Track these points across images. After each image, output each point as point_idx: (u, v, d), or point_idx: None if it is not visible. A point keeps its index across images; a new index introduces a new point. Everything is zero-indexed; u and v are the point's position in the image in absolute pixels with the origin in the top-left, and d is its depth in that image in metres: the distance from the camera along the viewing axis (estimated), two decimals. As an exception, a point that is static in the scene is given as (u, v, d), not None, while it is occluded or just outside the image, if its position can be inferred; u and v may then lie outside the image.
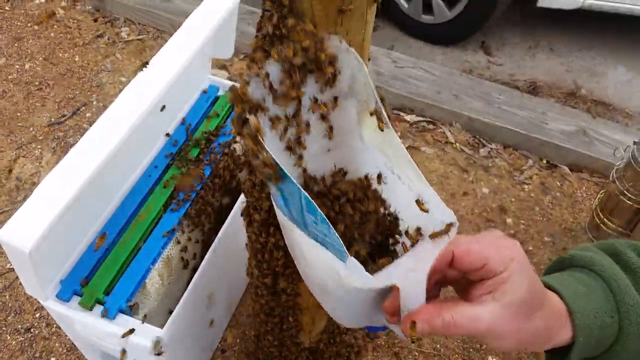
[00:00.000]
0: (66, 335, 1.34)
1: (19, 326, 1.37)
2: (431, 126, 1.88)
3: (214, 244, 1.13)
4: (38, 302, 1.41)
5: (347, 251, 0.53)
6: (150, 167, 1.23)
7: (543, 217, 1.64)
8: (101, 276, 1.04)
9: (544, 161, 1.80)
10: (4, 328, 1.37)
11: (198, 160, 1.25)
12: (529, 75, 2.60)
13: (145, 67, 1.08)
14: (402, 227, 0.64)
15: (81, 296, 1.02)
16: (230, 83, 1.43)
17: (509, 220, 1.62)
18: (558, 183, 1.74)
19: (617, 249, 0.63)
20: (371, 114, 0.64)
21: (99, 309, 1.01)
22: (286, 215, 0.61)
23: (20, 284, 1.45)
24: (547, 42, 2.74)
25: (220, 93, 1.42)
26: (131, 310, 1.05)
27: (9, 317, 1.39)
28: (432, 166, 1.76)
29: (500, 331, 0.51)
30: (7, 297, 1.43)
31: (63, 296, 1.01)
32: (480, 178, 1.73)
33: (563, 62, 2.63)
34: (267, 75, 0.61)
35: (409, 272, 0.54)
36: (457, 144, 1.82)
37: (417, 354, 1.33)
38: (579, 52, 2.68)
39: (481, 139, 1.85)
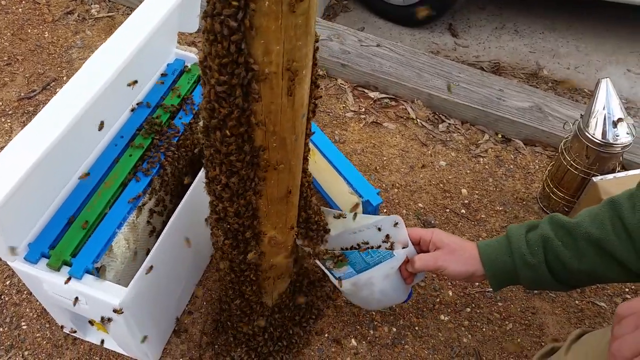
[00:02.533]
0: (37, 301, 1.39)
1: (-10, 293, 1.41)
2: (394, 103, 1.95)
3: (178, 208, 1.19)
4: (8, 269, 1.46)
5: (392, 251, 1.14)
6: (117, 136, 1.28)
7: (496, 187, 1.73)
8: (68, 240, 1.09)
9: (500, 136, 1.88)
10: (-25, 295, 1.41)
11: (163, 132, 1.30)
12: (494, 56, 2.68)
13: (109, 38, 1.12)
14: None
15: (49, 258, 1.07)
16: (197, 58, 1.47)
17: (463, 191, 1.70)
18: (512, 156, 1.83)
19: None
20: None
21: (66, 269, 1.06)
22: (353, 276, 1.16)
23: (-9, 253, 1.49)
24: (512, 24, 2.83)
25: (187, 67, 1.47)
26: (98, 272, 1.10)
27: (-20, 285, 1.43)
28: (394, 141, 1.83)
29: (442, 264, 1.05)
30: (-22, 266, 1.46)
31: (31, 258, 1.06)
32: (438, 152, 1.81)
33: (527, 44, 2.72)
34: None
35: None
36: (418, 120, 1.90)
37: (374, 313, 1.41)
38: (542, 34, 2.77)
39: (440, 115, 1.92)
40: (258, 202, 0.97)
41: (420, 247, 1.12)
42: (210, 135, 0.87)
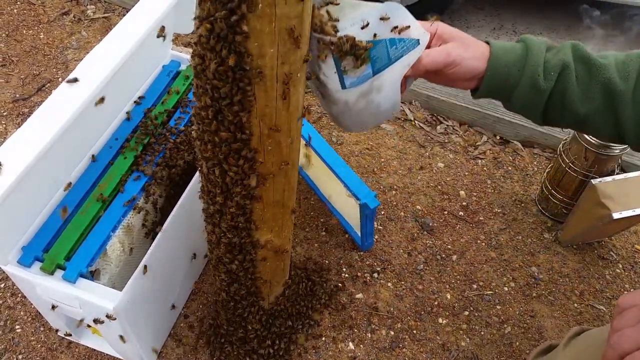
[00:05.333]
0: (31, 304, 1.38)
1: (-15, 297, 1.40)
2: (392, 104, 1.94)
3: (174, 211, 1.17)
4: (2, 272, 1.44)
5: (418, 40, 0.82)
6: (111, 138, 1.27)
7: (494, 189, 1.72)
8: (62, 243, 1.08)
9: (498, 137, 1.87)
10: (-31, 299, 1.40)
11: (158, 134, 1.29)
12: (492, 56, 2.67)
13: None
14: None
15: (42, 262, 1.06)
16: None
17: (462, 193, 1.69)
18: (510, 158, 1.82)
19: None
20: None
21: (60, 273, 1.05)
22: (367, 81, 0.84)
23: (-14, 256, 1.47)
24: (511, 25, 2.82)
25: (182, 68, 1.46)
26: (92, 275, 1.09)
27: (-25, 288, 1.42)
28: (392, 142, 1.82)
29: (455, 58, 0.83)
30: (-27, 269, 1.45)
31: (25, 262, 1.05)
32: (436, 153, 1.80)
33: (525, 44, 2.71)
34: None
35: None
36: (416, 121, 1.89)
37: (371, 316, 1.40)
38: (540, 34, 2.76)
39: (438, 117, 1.91)
40: (253, 206, 0.96)
41: None
42: (205, 138, 0.86)
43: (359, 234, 1.49)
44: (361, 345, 1.35)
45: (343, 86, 0.84)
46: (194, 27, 0.75)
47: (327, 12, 0.81)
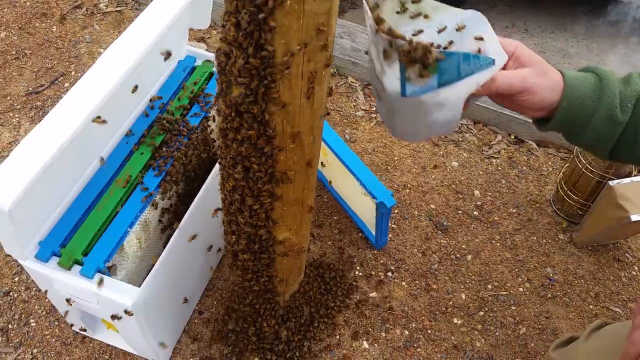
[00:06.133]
0: (46, 299, 1.38)
1: (-1, 290, 1.40)
2: (406, 101, 1.93)
3: (191, 207, 1.17)
4: (17, 266, 1.44)
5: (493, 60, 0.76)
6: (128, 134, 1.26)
7: (509, 189, 1.71)
8: (79, 238, 1.08)
9: (512, 136, 1.86)
10: (-17, 292, 1.40)
11: (174, 130, 1.28)
12: (504, 54, 2.65)
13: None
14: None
15: (60, 257, 1.06)
16: (208, 54, 1.45)
17: (476, 192, 1.68)
18: (525, 157, 1.80)
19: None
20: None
21: (77, 268, 1.05)
22: (430, 92, 0.77)
23: None
24: (522, 23, 2.80)
25: (198, 63, 1.45)
26: (109, 271, 1.09)
27: (-11, 282, 1.42)
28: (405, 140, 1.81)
29: (531, 86, 0.77)
30: (-13, 262, 1.45)
31: (42, 257, 1.05)
32: (450, 152, 1.79)
33: (537, 43, 2.69)
34: None
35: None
36: (430, 119, 1.87)
37: (386, 315, 1.39)
38: (552, 33, 2.74)
39: (453, 115, 1.90)
40: (274, 204, 0.96)
41: None
42: (228, 135, 0.85)
43: (373, 232, 1.48)
44: (375, 344, 1.35)
45: (403, 93, 0.78)
46: (222, 22, 0.74)
47: (402, 5, 0.78)
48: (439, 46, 0.76)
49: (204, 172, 1.38)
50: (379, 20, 0.72)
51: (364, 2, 0.76)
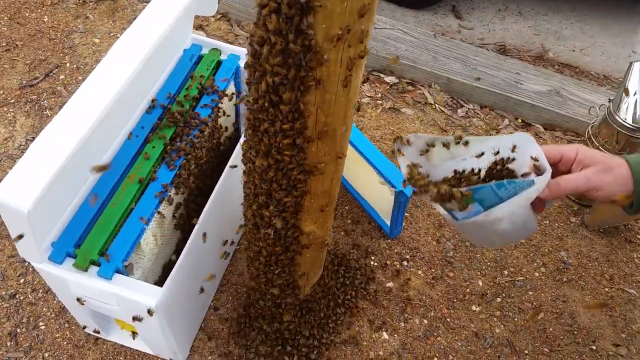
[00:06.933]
0: (54, 300, 1.33)
1: (3, 292, 1.35)
2: (411, 87, 1.90)
3: (208, 203, 1.13)
4: (22, 267, 1.39)
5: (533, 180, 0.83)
6: (137, 127, 1.21)
7: (519, 174, 1.69)
8: (95, 237, 1.03)
9: (519, 120, 1.85)
10: (-12, 295, 1.35)
11: (185, 122, 1.23)
12: (499, 38, 2.63)
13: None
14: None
15: (75, 258, 1.01)
16: (214, 42, 1.40)
17: (487, 178, 1.66)
18: (533, 141, 1.79)
19: None
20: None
21: (94, 269, 1.01)
22: (479, 214, 0.89)
23: (1, 250, 1.42)
24: (515, 6, 2.77)
25: (204, 52, 1.40)
26: (127, 270, 1.05)
27: (-7, 284, 1.37)
28: (413, 127, 1.78)
29: (596, 183, 0.83)
30: (-11, 263, 1.40)
31: (56, 258, 1.00)
32: (459, 137, 1.77)
33: (531, 26, 2.67)
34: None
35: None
36: (436, 105, 1.85)
37: (404, 305, 1.37)
38: (546, 15, 2.72)
39: (459, 100, 1.88)
40: (304, 199, 0.92)
41: (559, 167, 0.89)
42: (259, 127, 0.81)
43: (387, 222, 1.45)
44: (395, 335, 1.33)
45: (456, 219, 0.92)
46: (257, 7, 0.70)
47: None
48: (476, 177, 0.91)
49: (215, 163, 1.34)
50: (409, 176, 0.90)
51: (399, 158, 0.93)
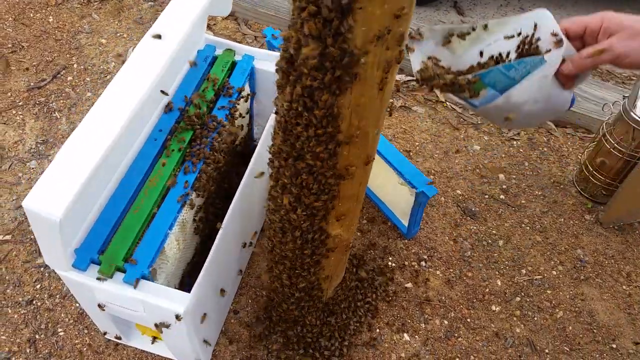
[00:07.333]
0: (72, 306, 1.32)
1: (20, 299, 1.34)
2: (421, 85, 1.89)
3: (231, 207, 1.12)
4: (37, 272, 1.38)
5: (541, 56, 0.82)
6: (155, 130, 1.19)
7: (532, 171, 1.69)
8: (118, 243, 1.02)
9: (531, 118, 1.84)
10: (3, 302, 1.33)
11: (203, 124, 1.22)
12: (505, 33, 2.62)
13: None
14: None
15: (99, 264, 1.00)
16: (228, 42, 1.39)
17: (501, 176, 1.66)
18: (545, 139, 1.79)
19: None
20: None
21: (119, 276, 0.99)
22: (496, 99, 0.86)
23: (16, 255, 1.40)
24: (517, 1, 2.77)
25: (218, 52, 1.38)
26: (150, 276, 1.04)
27: (8, 290, 1.35)
28: (424, 125, 1.78)
29: (622, 50, 0.79)
30: (3, 269, 1.38)
31: (80, 265, 0.99)
32: (471, 136, 1.76)
33: (540, 21, 2.66)
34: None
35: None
36: (447, 103, 1.84)
37: (424, 306, 1.37)
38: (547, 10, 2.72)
39: (471, 97, 1.87)
40: (333, 202, 0.91)
41: (585, 40, 0.84)
42: (292, 131, 0.80)
43: (404, 222, 1.45)
44: (416, 336, 1.32)
45: (474, 107, 0.89)
46: (293, 10, 0.68)
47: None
48: (508, 54, 0.87)
49: (232, 165, 1.33)
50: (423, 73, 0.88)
51: (410, 55, 0.91)
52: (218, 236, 1.07)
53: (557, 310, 1.40)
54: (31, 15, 1.96)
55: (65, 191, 0.80)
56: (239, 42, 1.81)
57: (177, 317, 0.97)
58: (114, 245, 1.02)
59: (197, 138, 1.20)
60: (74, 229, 0.96)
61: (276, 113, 0.85)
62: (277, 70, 0.77)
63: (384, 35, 0.67)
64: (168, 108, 1.22)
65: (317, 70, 0.70)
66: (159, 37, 1.02)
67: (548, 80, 0.83)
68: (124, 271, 1.00)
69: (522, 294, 1.42)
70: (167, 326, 1.00)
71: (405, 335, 1.32)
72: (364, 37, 0.67)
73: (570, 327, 1.37)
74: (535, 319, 1.38)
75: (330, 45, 0.67)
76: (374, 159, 0.90)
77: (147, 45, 1.01)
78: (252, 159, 1.20)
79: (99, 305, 1.05)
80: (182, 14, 1.10)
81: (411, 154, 1.69)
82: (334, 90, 0.72)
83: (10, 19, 1.93)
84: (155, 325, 1.02)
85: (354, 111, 0.77)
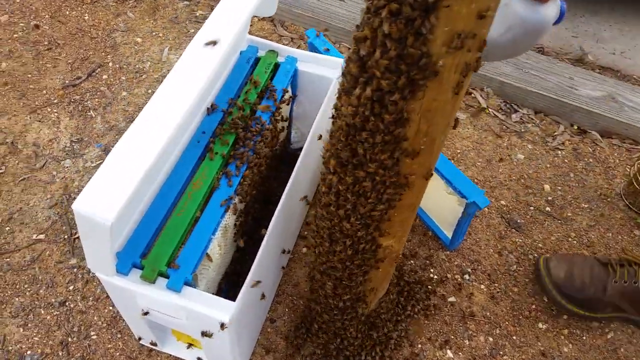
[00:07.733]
0: (105, 309, 1.29)
1: (53, 300, 1.31)
2: (461, 91, 1.84)
3: (276, 213, 1.07)
4: (70, 274, 1.35)
5: None
6: (198, 132, 1.16)
7: (578, 183, 1.63)
8: (161, 247, 0.99)
9: (575, 127, 1.78)
10: (36, 302, 1.30)
11: (247, 127, 1.18)
12: (540, 40, 2.55)
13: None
14: None
15: (141, 269, 0.96)
16: (270, 43, 1.35)
17: (546, 187, 1.60)
18: (590, 149, 1.72)
19: None
20: None
21: (162, 281, 0.96)
22: None
23: (49, 255, 1.38)
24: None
25: (261, 54, 1.35)
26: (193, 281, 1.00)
27: (41, 291, 1.32)
28: (466, 132, 1.72)
29: None
30: (37, 269, 1.36)
31: (122, 269, 0.96)
32: (514, 144, 1.70)
33: (569, 27, 2.59)
34: None
35: None
36: (490, 109, 1.79)
37: (467, 321, 1.31)
38: (583, 17, 2.64)
39: (512, 104, 1.81)
40: (389, 212, 0.87)
41: None
42: (356, 137, 0.75)
43: (448, 233, 1.39)
44: (460, 353, 1.27)
45: None
46: (368, 7, 0.64)
47: None
48: None
49: (271, 169, 1.30)
50: None
51: None
52: (263, 242, 1.03)
53: (607, 330, 1.33)
54: (67, 12, 1.94)
55: (117, 195, 0.77)
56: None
57: (222, 326, 0.93)
58: (157, 249, 0.98)
59: (240, 140, 1.16)
60: (119, 233, 0.93)
61: (333, 118, 0.81)
62: (343, 73, 0.73)
63: (466, 37, 0.63)
64: (211, 109, 1.19)
65: (390, 72, 0.66)
66: (214, 43, 0.98)
67: (511, 6, 0.80)
68: (166, 276, 0.96)
69: (571, 311, 1.35)
70: (210, 335, 0.96)
71: (448, 351, 1.27)
72: (445, 39, 0.62)
73: (622, 349, 1.31)
74: (584, 338, 1.31)
75: (409, 46, 0.62)
76: (432, 174, 0.86)
77: (198, 48, 0.98)
78: (298, 164, 1.16)
79: (144, 312, 1.02)
80: (232, 16, 1.06)
81: (453, 161, 1.64)
82: (405, 94, 0.68)
83: (47, 16, 1.92)
84: (202, 333, 0.98)
85: (424, 117, 0.72)
